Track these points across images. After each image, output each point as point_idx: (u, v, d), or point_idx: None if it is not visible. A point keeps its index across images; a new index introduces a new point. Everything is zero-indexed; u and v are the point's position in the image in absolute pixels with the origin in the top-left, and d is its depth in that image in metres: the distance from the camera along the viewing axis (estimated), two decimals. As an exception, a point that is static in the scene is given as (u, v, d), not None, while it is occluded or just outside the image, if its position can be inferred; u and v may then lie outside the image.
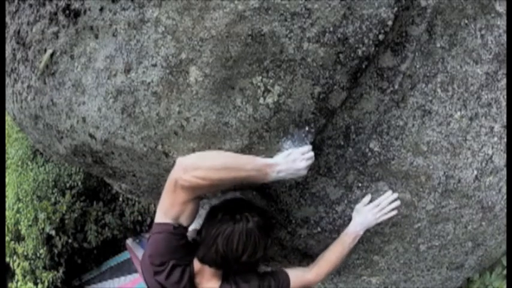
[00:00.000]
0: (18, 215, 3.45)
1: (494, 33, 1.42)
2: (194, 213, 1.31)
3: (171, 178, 1.23)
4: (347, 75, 1.21)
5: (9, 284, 3.36)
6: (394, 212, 1.50)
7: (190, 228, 1.37)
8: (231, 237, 1.25)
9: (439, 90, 1.39)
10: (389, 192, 1.49)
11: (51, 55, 1.41)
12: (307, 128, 1.28)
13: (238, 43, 1.16)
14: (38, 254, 3.36)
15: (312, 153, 1.29)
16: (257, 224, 1.28)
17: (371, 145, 1.41)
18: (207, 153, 1.28)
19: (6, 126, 3.82)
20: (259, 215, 1.31)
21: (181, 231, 1.28)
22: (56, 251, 3.41)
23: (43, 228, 3.35)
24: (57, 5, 1.36)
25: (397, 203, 1.50)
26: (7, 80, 1.65)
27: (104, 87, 1.33)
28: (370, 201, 1.49)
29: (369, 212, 1.48)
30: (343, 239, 1.51)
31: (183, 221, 1.28)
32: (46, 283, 3.30)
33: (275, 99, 1.21)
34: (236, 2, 1.13)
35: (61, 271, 3.43)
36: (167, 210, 1.27)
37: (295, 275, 1.46)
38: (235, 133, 1.27)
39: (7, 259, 3.38)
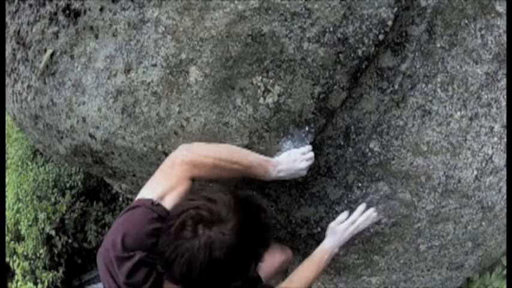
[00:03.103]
0: (18, 215, 3.45)
1: (494, 33, 1.42)
2: (182, 197, 1.10)
3: (170, 157, 1.17)
4: (347, 75, 1.21)
5: (9, 284, 3.36)
6: (368, 223, 1.48)
7: None
8: (191, 264, 0.91)
9: (439, 90, 1.39)
10: (363, 206, 1.47)
11: (51, 55, 1.41)
12: (307, 128, 1.28)
13: (238, 43, 1.16)
14: (38, 254, 3.36)
15: (312, 154, 1.28)
16: (236, 236, 0.92)
17: (371, 145, 1.41)
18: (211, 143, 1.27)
19: (6, 126, 3.82)
20: (246, 215, 0.97)
21: (161, 211, 1.04)
22: (56, 251, 3.41)
23: (43, 228, 3.35)
24: (57, 5, 1.36)
25: (374, 215, 1.48)
26: (7, 80, 1.65)
27: (104, 87, 1.33)
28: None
29: (345, 231, 1.44)
30: (319, 256, 1.44)
31: (167, 202, 1.06)
32: (46, 283, 3.30)
33: (275, 99, 1.21)
34: (236, 2, 1.13)
35: (61, 271, 3.43)
36: (155, 185, 1.10)
37: None
38: (235, 133, 1.26)
39: (7, 259, 3.38)
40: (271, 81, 1.20)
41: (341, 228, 1.44)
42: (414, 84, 1.37)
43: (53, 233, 3.38)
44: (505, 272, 1.95)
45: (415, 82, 1.37)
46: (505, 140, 1.52)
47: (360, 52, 1.18)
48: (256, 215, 1.01)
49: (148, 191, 1.09)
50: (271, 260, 1.43)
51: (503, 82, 1.47)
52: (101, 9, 1.28)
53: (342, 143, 1.39)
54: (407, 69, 1.34)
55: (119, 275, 0.98)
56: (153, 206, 1.04)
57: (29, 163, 3.80)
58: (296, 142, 1.28)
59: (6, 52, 1.60)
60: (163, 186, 1.09)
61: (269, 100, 1.21)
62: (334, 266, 1.77)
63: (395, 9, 1.18)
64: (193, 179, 1.15)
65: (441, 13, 1.33)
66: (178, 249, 0.91)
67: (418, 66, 1.35)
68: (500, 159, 1.55)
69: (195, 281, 0.94)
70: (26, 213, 3.39)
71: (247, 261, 0.98)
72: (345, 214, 1.46)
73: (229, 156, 1.19)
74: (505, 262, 1.96)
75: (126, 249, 0.98)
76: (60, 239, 3.42)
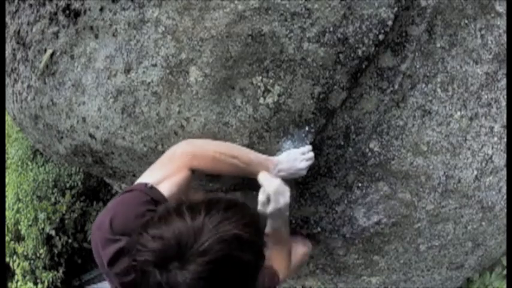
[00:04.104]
0: (18, 215, 3.44)
1: (494, 33, 1.42)
2: (181, 185, 1.06)
3: (171, 149, 1.16)
4: (347, 75, 1.21)
5: (9, 284, 3.36)
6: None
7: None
8: None
9: (439, 90, 1.39)
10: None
11: (51, 55, 1.41)
12: (307, 128, 1.27)
13: (238, 43, 1.16)
14: (38, 254, 3.36)
15: (312, 154, 1.28)
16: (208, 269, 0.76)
17: (371, 145, 1.41)
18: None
19: (6, 126, 3.81)
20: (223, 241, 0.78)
21: (155, 195, 0.99)
22: (56, 251, 3.41)
23: (43, 228, 3.34)
24: (57, 5, 1.36)
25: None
26: (7, 80, 1.65)
27: (104, 87, 1.33)
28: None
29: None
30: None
31: (164, 187, 1.02)
32: (46, 283, 3.30)
33: (275, 99, 1.21)
34: (236, 2, 1.13)
35: (61, 271, 3.42)
36: (153, 172, 1.07)
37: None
38: (235, 133, 1.26)
39: (7, 259, 3.38)
40: (271, 81, 1.20)
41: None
42: (414, 84, 1.37)
43: (53, 233, 3.38)
44: (505, 272, 1.95)
45: (415, 82, 1.37)
46: (505, 140, 1.52)
47: (360, 52, 1.18)
48: (231, 254, 0.79)
49: (146, 177, 1.06)
50: (294, 252, 1.34)
51: (503, 82, 1.47)
52: (101, 9, 1.28)
53: (342, 143, 1.39)
54: (407, 69, 1.34)
55: (103, 258, 0.94)
56: (147, 188, 1.01)
57: (29, 163, 3.79)
58: (296, 142, 1.28)
59: (6, 52, 1.60)
60: (162, 173, 1.07)
61: (269, 100, 1.21)
62: (334, 266, 1.77)
63: (395, 9, 1.18)
64: (193, 171, 1.14)
65: (441, 13, 1.33)
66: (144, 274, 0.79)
67: (418, 66, 1.35)
68: (500, 159, 1.55)
69: None
70: (26, 213, 3.39)
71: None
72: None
73: (230, 151, 1.20)
74: (505, 262, 1.96)
75: (113, 231, 0.93)
76: (60, 239, 3.42)
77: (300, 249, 1.56)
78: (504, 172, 1.57)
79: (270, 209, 1.15)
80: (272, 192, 1.15)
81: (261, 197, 1.16)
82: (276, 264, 1.21)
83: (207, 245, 0.77)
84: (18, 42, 1.52)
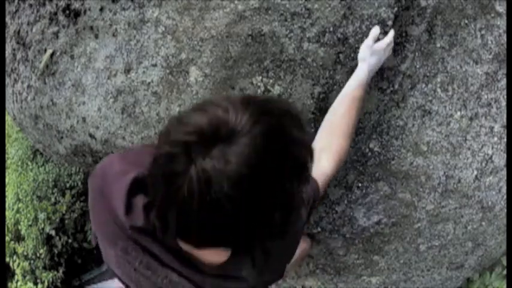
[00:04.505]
0: (18, 215, 3.44)
1: (494, 33, 1.42)
2: None
3: None
4: (347, 75, 1.21)
5: (9, 284, 3.36)
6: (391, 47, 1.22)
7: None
8: (183, 216, 0.60)
9: (439, 90, 1.39)
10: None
11: (51, 55, 1.41)
12: (307, 128, 1.28)
13: (238, 43, 1.16)
14: (38, 254, 3.36)
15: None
16: (247, 164, 0.57)
17: (371, 145, 1.41)
18: None
19: (6, 126, 3.81)
20: (266, 127, 0.59)
21: None
22: (56, 251, 3.41)
23: (43, 228, 3.35)
24: (57, 5, 1.36)
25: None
26: (7, 80, 1.65)
27: (104, 87, 1.33)
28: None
29: (385, 50, 1.16)
30: (358, 89, 1.11)
31: None
32: (46, 283, 3.30)
33: (275, 99, 1.21)
34: (236, 2, 1.13)
35: (61, 271, 3.42)
36: None
37: (321, 180, 1.01)
38: (235, 133, 1.26)
39: (7, 259, 3.38)
40: (271, 81, 1.20)
41: (380, 46, 1.15)
42: (414, 84, 1.37)
43: (53, 233, 3.38)
44: (505, 272, 1.95)
45: (415, 82, 1.37)
46: (505, 140, 1.52)
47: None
48: (283, 126, 0.61)
49: None
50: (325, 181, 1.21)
51: (503, 82, 1.47)
52: (101, 9, 1.28)
53: (342, 143, 1.39)
54: (407, 69, 1.34)
55: (112, 202, 0.74)
56: None
57: (29, 163, 3.79)
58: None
59: (6, 52, 1.60)
60: None
61: (269, 100, 1.21)
62: (334, 266, 1.77)
63: (395, 9, 1.18)
64: None
65: (441, 13, 1.33)
66: (168, 197, 0.60)
67: (418, 66, 1.35)
68: (500, 159, 1.55)
69: (196, 237, 0.64)
70: (26, 213, 3.39)
71: (267, 206, 0.61)
72: (377, 28, 1.17)
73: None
74: (505, 262, 1.96)
75: (124, 161, 0.78)
76: (60, 239, 3.42)
77: (301, 244, 1.56)
78: (504, 172, 1.57)
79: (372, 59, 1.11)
80: (387, 44, 1.13)
81: (376, 30, 1.11)
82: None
83: (254, 118, 0.58)
84: (18, 42, 1.52)
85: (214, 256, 0.74)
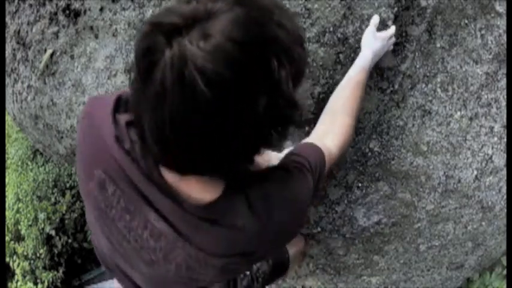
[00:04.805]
0: (18, 215, 3.45)
1: (494, 33, 1.42)
2: None
3: None
4: (347, 75, 1.21)
5: (9, 284, 3.36)
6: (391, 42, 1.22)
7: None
8: (158, 98, 0.54)
9: (439, 90, 1.39)
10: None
11: (51, 55, 1.41)
12: (307, 128, 1.28)
13: (238, 43, 1.16)
14: (38, 254, 3.36)
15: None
16: (231, 40, 0.52)
17: (371, 145, 1.41)
18: None
19: (6, 126, 3.82)
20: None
21: None
22: (56, 251, 3.41)
23: (43, 228, 3.35)
24: (57, 5, 1.36)
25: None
26: (7, 80, 1.65)
27: (104, 87, 1.33)
28: None
29: (388, 39, 1.17)
30: (361, 74, 1.08)
31: None
32: (46, 283, 3.30)
33: (275, 99, 1.21)
34: (236, 2, 1.13)
35: (61, 271, 3.43)
36: None
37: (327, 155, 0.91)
38: (235, 133, 1.26)
39: (7, 259, 3.38)
40: (271, 81, 1.19)
41: (383, 35, 1.15)
42: (414, 84, 1.37)
43: (53, 233, 3.38)
44: (505, 272, 1.95)
45: (415, 82, 1.37)
46: (505, 140, 1.52)
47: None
48: (267, 8, 0.57)
49: None
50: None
51: (503, 82, 1.47)
52: (101, 9, 1.28)
53: (342, 143, 1.39)
54: (407, 69, 1.34)
55: (103, 131, 0.69)
56: None
57: (29, 163, 3.80)
58: (296, 142, 1.28)
59: (6, 52, 1.60)
60: None
61: (269, 100, 1.21)
62: (334, 266, 1.77)
63: (395, 9, 1.18)
64: None
65: (441, 13, 1.33)
66: (143, 83, 0.55)
67: (418, 66, 1.35)
68: (500, 159, 1.55)
69: (174, 147, 0.57)
70: (26, 213, 3.39)
71: (250, 92, 0.54)
72: (376, 17, 1.16)
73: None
74: (505, 262, 1.96)
75: (107, 98, 0.73)
76: (60, 239, 3.42)
77: (296, 243, 1.57)
78: (504, 172, 1.57)
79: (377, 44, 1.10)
80: (390, 35, 1.15)
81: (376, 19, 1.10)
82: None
83: (237, 1, 0.55)
84: (18, 42, 1.52)
85: (202, 192, 0.67)
